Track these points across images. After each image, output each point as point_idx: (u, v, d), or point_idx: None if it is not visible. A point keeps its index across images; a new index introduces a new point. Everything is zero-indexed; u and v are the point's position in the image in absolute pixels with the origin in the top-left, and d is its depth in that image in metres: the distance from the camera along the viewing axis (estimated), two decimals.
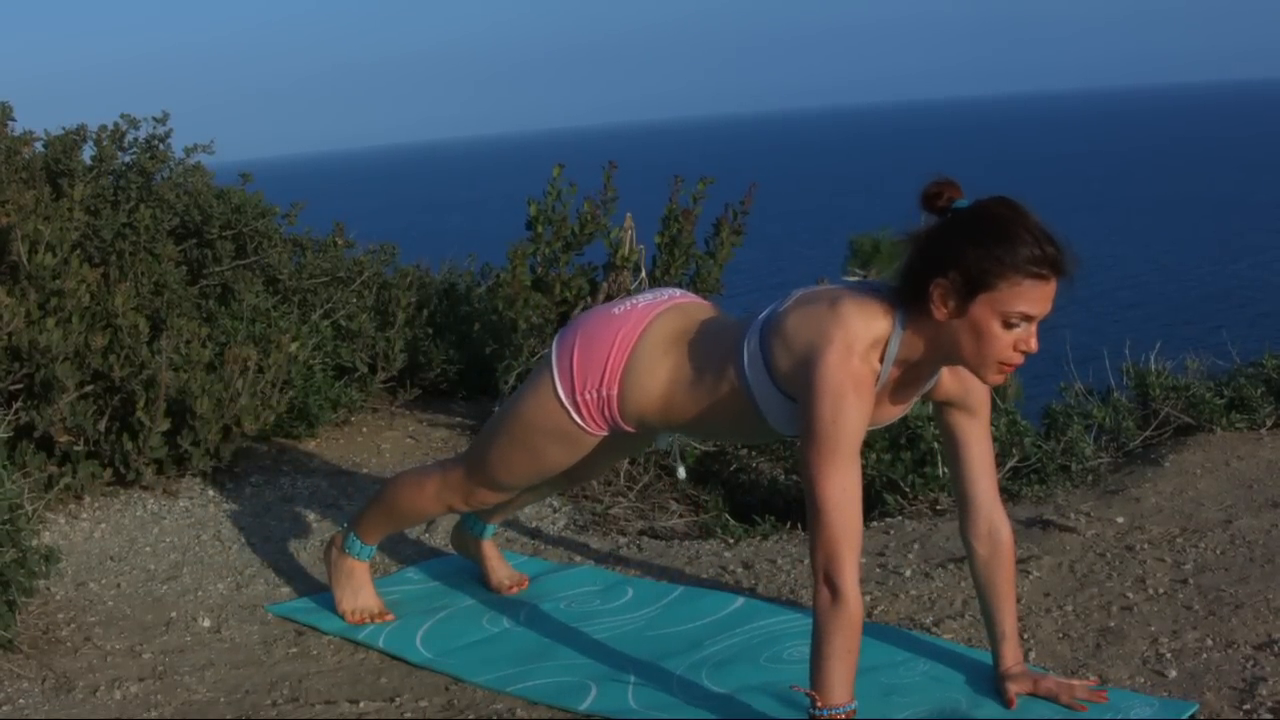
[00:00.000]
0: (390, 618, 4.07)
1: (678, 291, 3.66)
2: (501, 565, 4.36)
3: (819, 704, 2.98)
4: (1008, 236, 2.90)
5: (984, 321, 2.96)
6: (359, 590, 4.10)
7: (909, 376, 3.16)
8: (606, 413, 3.47)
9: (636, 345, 3.43)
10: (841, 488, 2.99)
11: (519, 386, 3.71)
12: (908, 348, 3.08)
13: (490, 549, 4.36)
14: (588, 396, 3.46)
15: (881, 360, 3.07)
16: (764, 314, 3.24)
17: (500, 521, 4.48)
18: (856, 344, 3.02)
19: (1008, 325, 2.96)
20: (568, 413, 3.49)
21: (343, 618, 4.07)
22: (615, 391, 3.43)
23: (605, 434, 3.54)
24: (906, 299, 3.04)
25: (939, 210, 3.00)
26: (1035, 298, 2.94)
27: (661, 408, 3.41)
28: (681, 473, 3.93)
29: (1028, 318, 2.96)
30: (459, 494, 3.87)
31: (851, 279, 3.33)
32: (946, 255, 2.95)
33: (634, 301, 3.54)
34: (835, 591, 2.97)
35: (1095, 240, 33.03)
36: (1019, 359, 3.02)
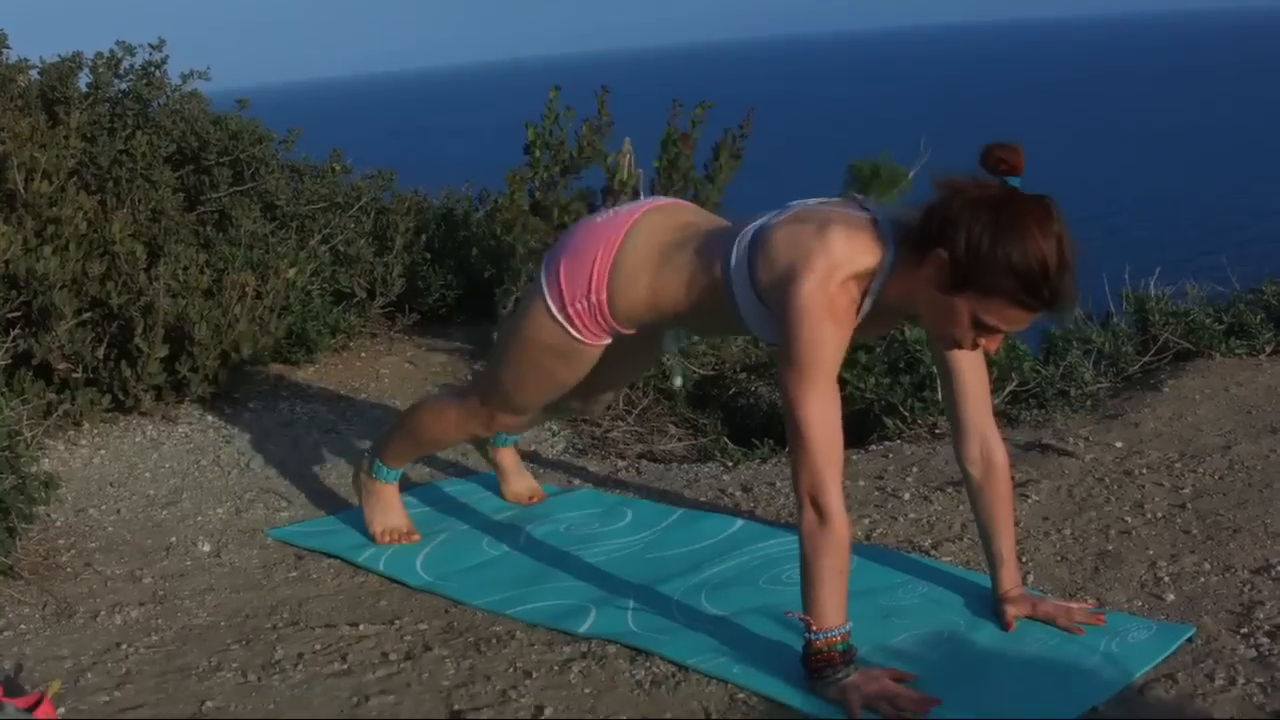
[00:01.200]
0: (417, 538, 4.10)
1: (661, 198, 3.66)
2: (520, 477, 4.39)
3: (814, 628, 2.98)
4: (1024, 256, 2.83)
5: (958, 310, 2.95)
6: (388, 510, 4.14)
7: (880, 315, 3.15)
8: (600, 319, 3.46)
9: (620, 248, 3.42)
10: (821, 410, 2.98)
11: (514, 310, 3.71)
12: (888, 288, 3.05)
13: (511, 459, 4.39)
14: (578, 307, 3.45)
15: (864, 294, 3.05)
16: (757, 223, 3.21)
17: (527, 430, 4.51)
18: (837, 272, 2.98)
19: (978, 325, 2.96)
20: (563, 328, 3.49)
21: (372, 538, 4.10)
22: (604, 296, 3.42)
23: (607, 341, 3.54)
24: (908, 242, 3.01)
25: (995, 173, 2.95)
26: (1015, 319, 2.93)
27: (650, 303, 3.40)
28: (677, 381, 3.88)
29: (1000, 330, 2.98)
30: (480, 421, 3.89)
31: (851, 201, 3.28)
32: (961, 235, 2.89)
33: (615, 210, 3.54)
34: (821, 512, 2.96)
35: (1090, 166, 33.00)
36: (973, 350, 3.07)
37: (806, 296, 2.97)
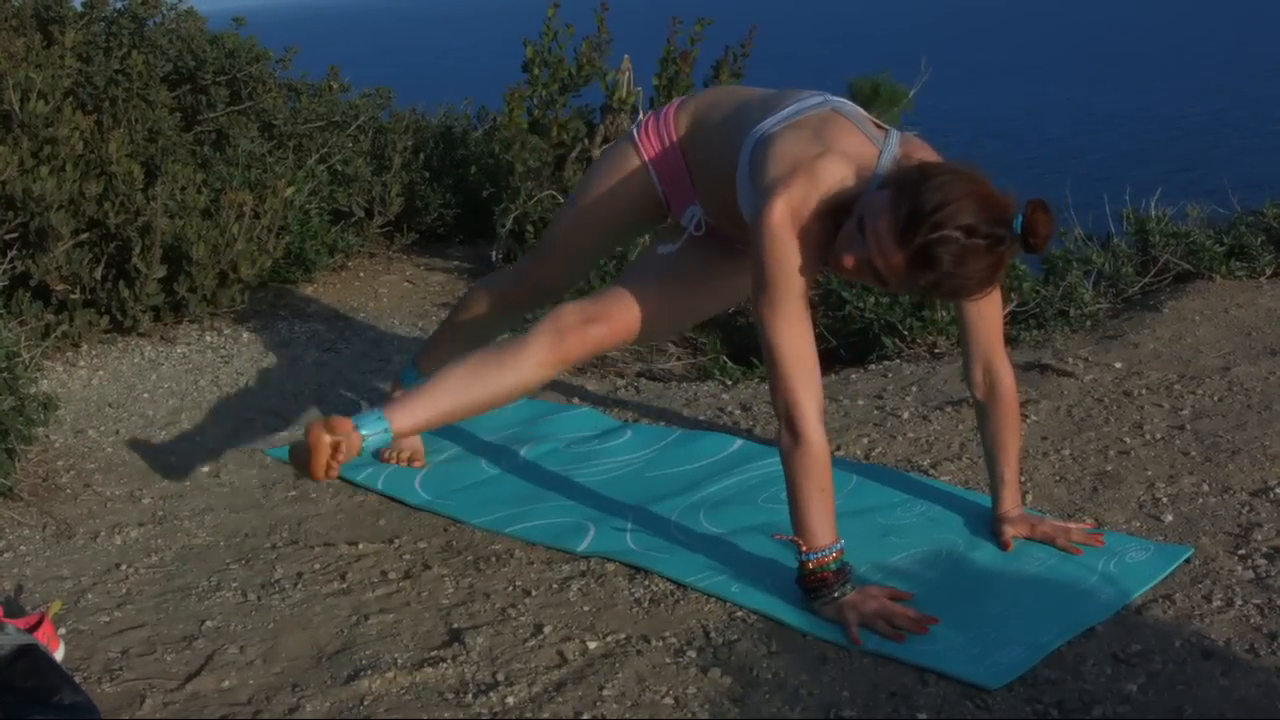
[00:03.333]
0: (420, 464, 4.08)
1: None
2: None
3: (804, 549, 2.98)
4: (931, 198, 2.77)
5: (859, 205, 2.93)
6: None
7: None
8: (662, 116, 3.56)
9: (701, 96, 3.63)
10: (790, 333, 2.98)
11: None
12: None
13: None
14: (650, 118, 3.60)
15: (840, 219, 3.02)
16: (790, 110, 3.20)
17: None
18: (812, 198, 2.97)
19: (861, 225, 2.91)
20: (630, 134, 3.61)
21: (376, 454, 4.09)
22: (675, 107, 3.58)
23: (649, 156, 3.56)
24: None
25: (1020, 214, 2.85)
26: (883, 248, 2.85)
27: (710, 102, 3.53)
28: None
29: (865, 247, 2.92)
30: (517, 280, 3.97)
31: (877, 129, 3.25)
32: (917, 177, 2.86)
33: None
34: (797, 434, 2.97)
35: (1087, 87, 32.92)
36: (837, 263, 3.00)
37: (774, 219, 2.95)
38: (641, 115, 3.68)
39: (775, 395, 3.01)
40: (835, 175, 2.99)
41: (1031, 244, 2.83)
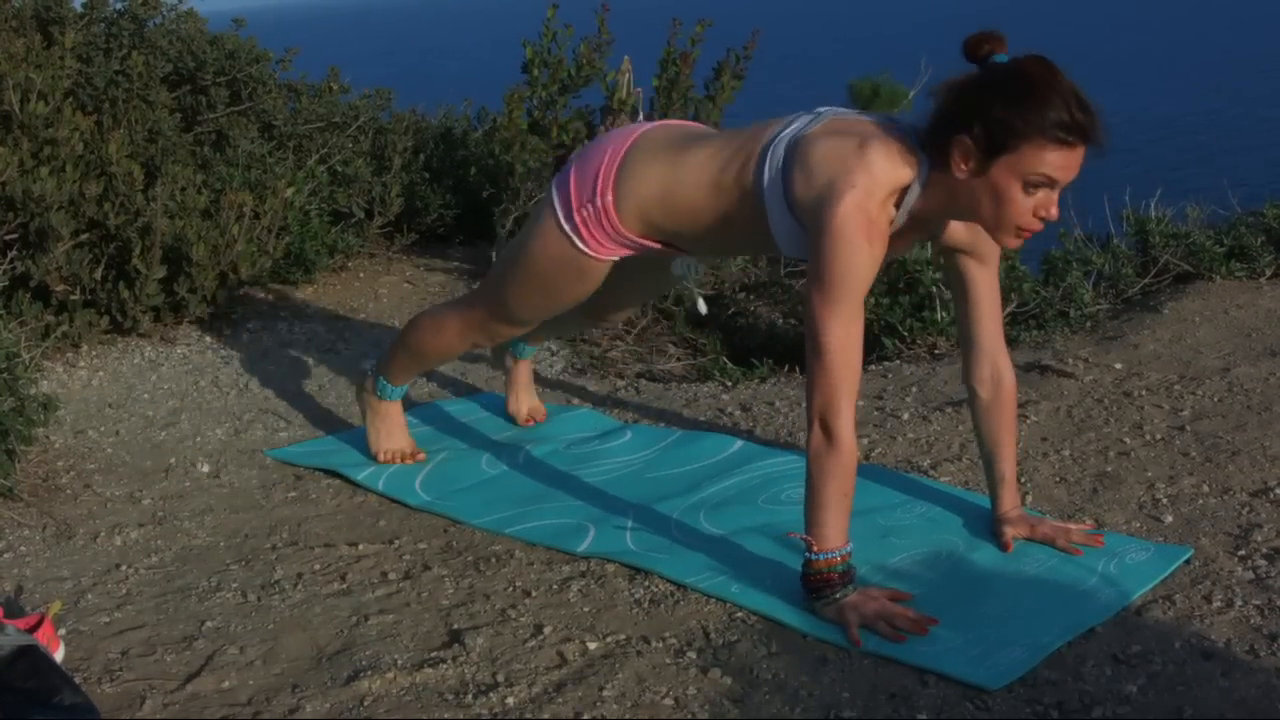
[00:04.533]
0: (421, 458, 4.10)
1: (672, 121, 3.64)
2: (527, 394, 4.42)
3: (814, 548, 2.98)
4: (1037, 98, 2.79)
5: (1004, 184, 2.87)
6: (392, 431, 4.13)
7: (917, 225, 3.10)
8: (606, 225, 3.35)
9: (628, 152, 3.34)
10: (845, 333, 2.97)
11: (524, 226, 3.68)
12: (925, 199, 3.00)
13: (525, 373, 4.42)
14: (585, 213, 3.35)
15: (897, 208, 3.02)
16: (789, 132, 3.13)
17: (543, 343, 4.52)
18: (877, 190, 2.94)
19: (1028, 189, 2.86)
20: (570, 240, 3.39)
21: (374, 458, 4.10)
22: (610, 199, 3.32)
23: (613, 257, 3.44)
24: (931, 150, 2.96)
25: (978, 61, 2.92)
26: (1059, 163, 2.83)
27: (662, 202, 3.29)
28: (702, 306, 3.80)
29: (1051, 182, 2.86)
30: (481, 332, 3.85)
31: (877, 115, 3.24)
32: (973, 110, 2.85)
33: (625, 127, 3.50)
34: (831, 436, 2.95)
35: (1085, 87, 32.98)
36: (1038, 225, 2.94)
37: (845, 216, 2.91)
38: (564, 213, 3.41)
39: (815, 393, 2.98)
40: (885, 158, 2.96)
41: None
